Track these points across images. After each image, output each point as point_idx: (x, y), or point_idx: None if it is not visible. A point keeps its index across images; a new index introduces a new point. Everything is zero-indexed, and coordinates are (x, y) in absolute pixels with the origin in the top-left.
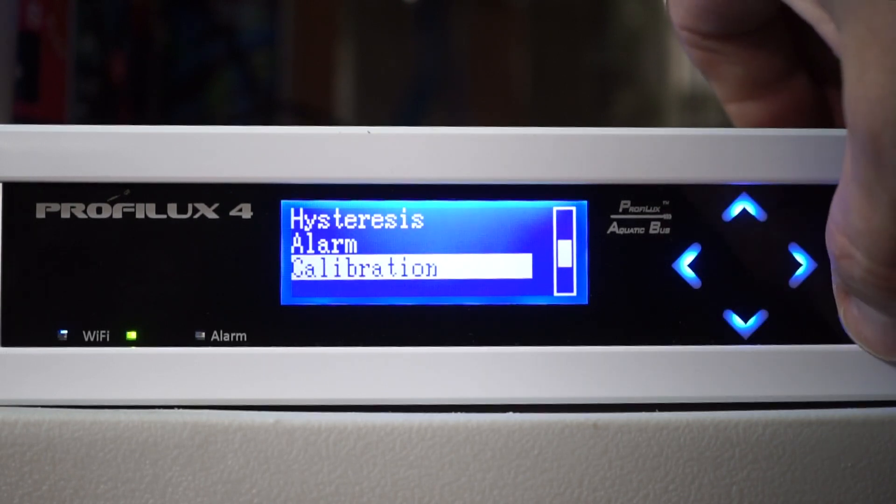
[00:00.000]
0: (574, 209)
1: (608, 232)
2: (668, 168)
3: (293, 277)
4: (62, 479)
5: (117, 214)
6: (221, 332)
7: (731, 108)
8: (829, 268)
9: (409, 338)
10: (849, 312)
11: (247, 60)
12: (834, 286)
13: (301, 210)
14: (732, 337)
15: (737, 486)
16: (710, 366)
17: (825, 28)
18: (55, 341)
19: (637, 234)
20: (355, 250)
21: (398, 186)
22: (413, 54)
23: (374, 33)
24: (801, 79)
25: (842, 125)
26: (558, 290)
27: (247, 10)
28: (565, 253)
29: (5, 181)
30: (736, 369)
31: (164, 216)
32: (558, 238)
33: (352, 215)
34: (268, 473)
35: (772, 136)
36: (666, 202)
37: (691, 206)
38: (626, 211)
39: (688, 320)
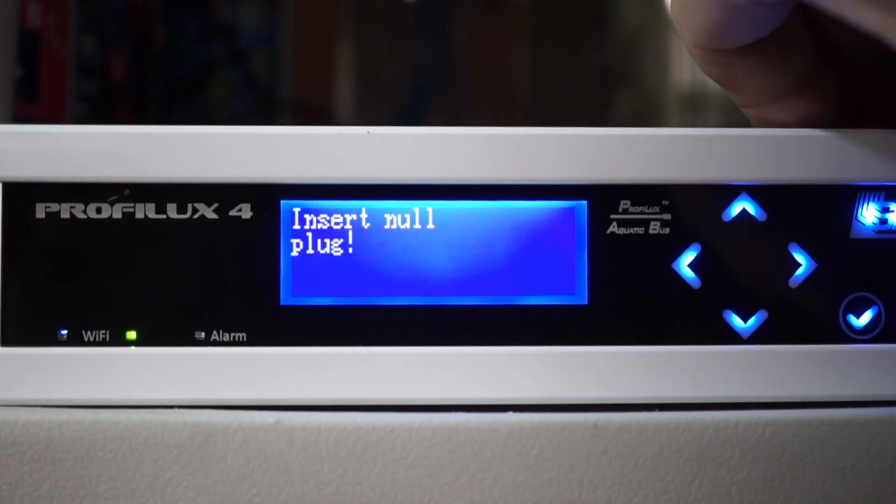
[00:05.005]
0: (574, 209)
1: (608, 232)
2: (668, 168)
3: (293, 277)
4: (62, 479)
5: (117, 214)
6: (221, 331)
7: (751, 113)
8: (829, 268)
9: (409, 338)
10: None
11: (247, 60)
12: None
13: (301, 210)
14: (732, 337)
15: (737, 486)
16: (709, 366)
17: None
18: (55, 341)
19: (637, 234)
20: (355, 250)
21: (398, 186)
22: (413, 54)
23: (374, 33)
24: (827, 74)
25: (876, 113)
26: (558, 290)
27: (247, 10)
28: (565, 253)
29: (5, 181)
30: (736, 369)
31: (164, 216)
32: (558, 238)
33: (351, 215)
34: (268, 473)
35: (772, 136)
36: (665, 202)
37: (691, 206)
38: (625, 211)
39: (687, 320)
